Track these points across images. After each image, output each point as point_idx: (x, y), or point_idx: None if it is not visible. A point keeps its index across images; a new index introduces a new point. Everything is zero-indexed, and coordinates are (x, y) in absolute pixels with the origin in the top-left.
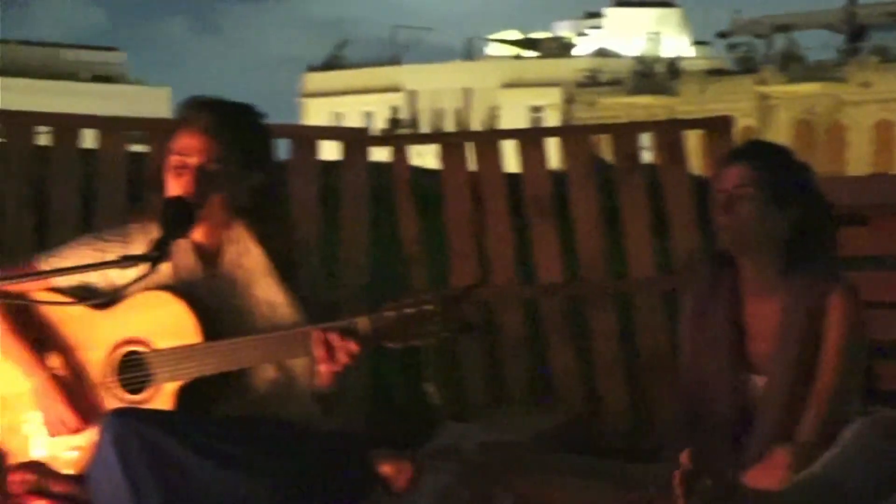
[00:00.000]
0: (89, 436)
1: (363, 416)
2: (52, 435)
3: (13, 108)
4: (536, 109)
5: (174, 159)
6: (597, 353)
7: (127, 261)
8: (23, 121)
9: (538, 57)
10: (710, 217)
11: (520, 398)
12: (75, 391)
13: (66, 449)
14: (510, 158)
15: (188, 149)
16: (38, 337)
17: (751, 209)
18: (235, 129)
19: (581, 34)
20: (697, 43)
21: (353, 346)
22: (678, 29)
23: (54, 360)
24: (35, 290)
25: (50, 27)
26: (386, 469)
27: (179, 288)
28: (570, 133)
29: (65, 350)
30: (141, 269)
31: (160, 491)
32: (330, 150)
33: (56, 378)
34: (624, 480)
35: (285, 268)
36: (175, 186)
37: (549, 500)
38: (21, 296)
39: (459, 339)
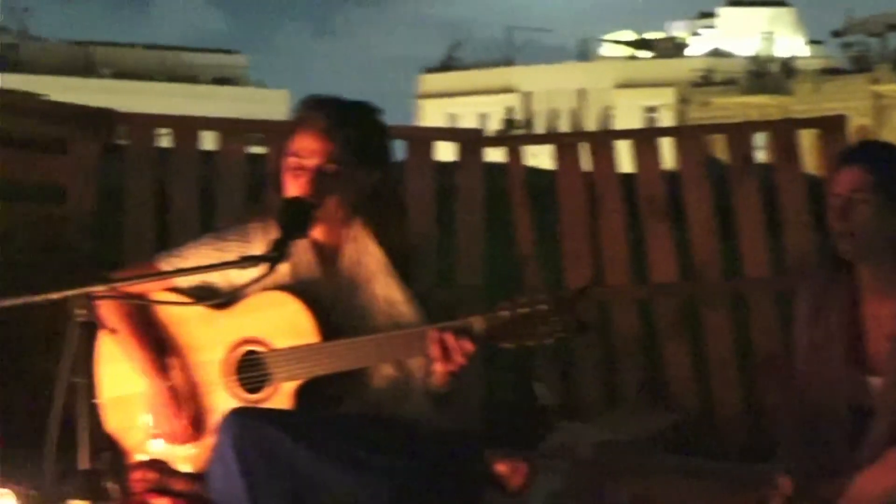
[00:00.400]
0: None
1: (478, 416)
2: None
3: (135, 110)
4: (650, 110)
5: (292, 161)
6: (711, 353)
7: (246, 261)
8: (144, 123)
9: (652, 57)
10: (824, 217)
11: (634, 398)
12: (190, 401)
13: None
14: (624, 159)
15: (306, 150)
16: (158, 337)
17: (868, 214)
18: (353, 128)
19: (695, 34)
20: (811, 42)
21: (469, 346)
22: (792, 28)
23: (172, 364)
24: (156, 290)
25: (172, 31)
26: (501, 468)
27: (297, 288)
28: (684, 133)
29: (183, 351)
30: (260, 268)
31: (278, 490)
32: (445, 151)
33: (172, 390)
34: (737, 481)
35: (403, 266)
36: (293, 187)
37: (662, 501)
38: (142, 296)
39: (574, 340)
